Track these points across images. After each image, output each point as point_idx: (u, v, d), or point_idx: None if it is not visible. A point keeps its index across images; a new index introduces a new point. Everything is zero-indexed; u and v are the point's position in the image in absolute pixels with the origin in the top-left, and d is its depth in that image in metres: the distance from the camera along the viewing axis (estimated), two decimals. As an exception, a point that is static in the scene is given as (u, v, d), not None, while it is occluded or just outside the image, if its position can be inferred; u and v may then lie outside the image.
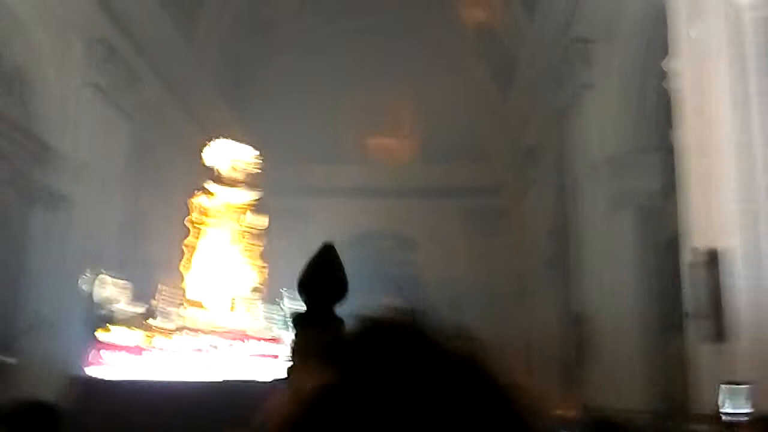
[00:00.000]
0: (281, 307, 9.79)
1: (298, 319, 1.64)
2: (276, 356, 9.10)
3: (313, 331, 1.60)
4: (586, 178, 14.89)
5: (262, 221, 10.25)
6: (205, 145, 10.67)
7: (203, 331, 9.02)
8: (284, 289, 10.01)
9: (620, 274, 13.91)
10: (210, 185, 9.98)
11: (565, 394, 15.00)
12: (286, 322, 9.81)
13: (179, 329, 9.09)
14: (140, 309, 9.29)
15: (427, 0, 22.46)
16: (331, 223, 23.28)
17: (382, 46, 22.78)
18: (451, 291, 22.11)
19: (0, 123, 13.20)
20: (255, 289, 9.84)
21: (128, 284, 9.55)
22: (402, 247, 24.31)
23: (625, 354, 13.35)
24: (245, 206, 10.23)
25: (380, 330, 0.78)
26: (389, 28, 22.83)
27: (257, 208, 10.31)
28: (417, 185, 23.16)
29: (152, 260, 11.99)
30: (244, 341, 9.12)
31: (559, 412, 11.94)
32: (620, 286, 13.84)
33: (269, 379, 8.49)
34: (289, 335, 9.67)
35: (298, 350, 1.66)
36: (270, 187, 20.98)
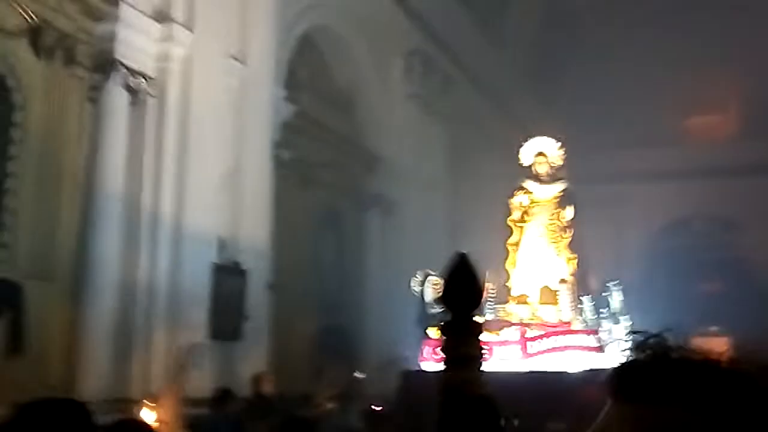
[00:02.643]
0: (609, 301, 9.67)
1: (444, 327, 1.91)
2: (598, 348, 9.05)
3: (458, 337, 1.84)
4: None
5: (569, 212, 10.24)
6: (517, 141, 10.89)
7: (529, 325, 9.21)
8: (611, 282, 9.88)
9: None
10: (528, 183, 10.17)
11: None
12: (614, 315, 9.70)
13: (505, 324, 9.35)
14: None
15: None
16: (648, 209, 22.49)
17: (694, 21, 21.50)
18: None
19: (335, 140, 14.64)
20: (563, 281, 9.82)
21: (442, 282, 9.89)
22: (725, 230, 22.65)
23: None
24: (557, 199, 10.31)
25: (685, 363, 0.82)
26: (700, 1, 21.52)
27: (568, 199, 10.32)
28: (740, 163, 21.41)
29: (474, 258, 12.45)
30: (566, 334, 9.18)
31: None
32: None
33: (587, 370, 8.48)
34: (617, 328, 9.55)
35: (448, 355, 1.91)
36: (585, 176, 20.77)
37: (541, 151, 10.16)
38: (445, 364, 2.00)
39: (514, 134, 13.29)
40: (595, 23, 22.78)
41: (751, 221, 22.12)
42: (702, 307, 21.05)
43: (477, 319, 1.95)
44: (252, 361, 10.09)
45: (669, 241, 22.83)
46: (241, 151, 10.69)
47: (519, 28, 21.37)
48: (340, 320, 14.49)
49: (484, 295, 9.78)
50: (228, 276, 10.13)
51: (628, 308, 9.76)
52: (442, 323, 2.04)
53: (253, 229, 10.75)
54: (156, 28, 9.67)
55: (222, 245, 10.16)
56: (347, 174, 15.21)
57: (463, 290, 1.94)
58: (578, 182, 10.76)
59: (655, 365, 0.83)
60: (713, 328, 20.85)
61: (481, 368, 1.91)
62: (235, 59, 10.76)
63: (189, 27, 9.93)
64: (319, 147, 14.12)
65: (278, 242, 11.60)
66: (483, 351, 1.95)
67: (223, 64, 10.50)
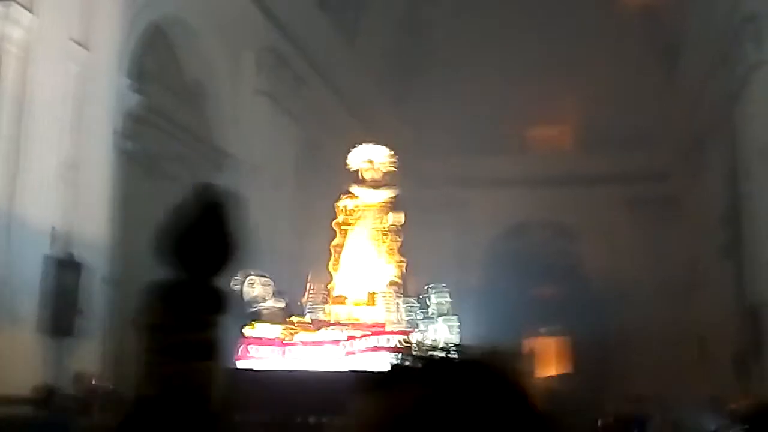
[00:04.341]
0: (426, 302, 10.04)
1: (163, 292, 1.07)
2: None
3: (181, 307, 1.03)
4: (757, 163, 14.18)
5: (399, 218, 10.54)
6: (368, 142, 11.07)
7: (344, 325, 9.37)
8: (430, 285, 10.27)
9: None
10: (354, 188, 10.36)
11: (740, 389, 14.40)
12: (432, 317, 10.10)
13: (323, 324, 9.49)
14: (283, 305, 9.80)
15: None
16: (488, 214, 23.36)
17: (540, 34, 22.59)
18: (615, 282, 21.61)
19: (182, 133, 14.34)
20: (392, 284, 10.11)
21: (272, 282, 9.99)
22: (562, 238, 23.88)
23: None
24: (384, 205, 10.55)
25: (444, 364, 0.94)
26: (546, 17, 22.61)
27: (397, 205, 10.62)
28: (577, 173, 22.65)
29: (310, 257, 12.64)
30: (380, 334, 9.34)
31: (733, 406, 11.54)
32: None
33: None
34: (435, 328, 9.93)
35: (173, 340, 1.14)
36: (429, 180, 21.38)
37: (370, 158, 10.36)
38: (165, 352, 1.04)
39: (364, 135, 13.51)
40: (446, 33, 23.49)
41: (585, 230, 23.46)
42: (537, 310, 22.15)
43: (220, 286, 1.14)
44: (85, 358, 9.76)
45: (508, 246, 23.76)
46: (80, 139, 10.31)
47: (374, 32, 21.73)
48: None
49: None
50: (62, 269, 9.74)
51: (459, 310, 10.16)
52: (164, 290, 1.13)
53: (91, 222, 10.40)
54: (-8, 6, 9.19)
55: (56, 237, 9.77)
56: (195, 168, 14.93)
57: (208, 238, 1.08)
58: (421, 185, 11.09)
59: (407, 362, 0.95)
60: (543, 330, 22.03)
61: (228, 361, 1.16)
62: (78, 44, 10.36)
63: (29, 8, 9.50)
64: (166, 140, 13.79)
65: (123, 236, 11.26)
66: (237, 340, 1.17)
67: (65, 49, 10.09)
